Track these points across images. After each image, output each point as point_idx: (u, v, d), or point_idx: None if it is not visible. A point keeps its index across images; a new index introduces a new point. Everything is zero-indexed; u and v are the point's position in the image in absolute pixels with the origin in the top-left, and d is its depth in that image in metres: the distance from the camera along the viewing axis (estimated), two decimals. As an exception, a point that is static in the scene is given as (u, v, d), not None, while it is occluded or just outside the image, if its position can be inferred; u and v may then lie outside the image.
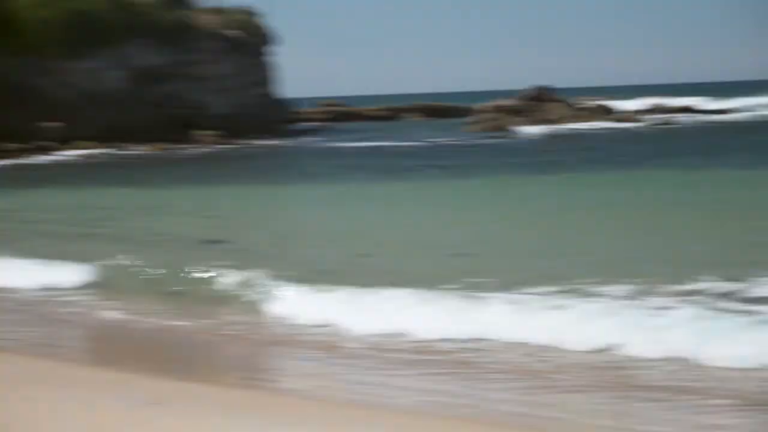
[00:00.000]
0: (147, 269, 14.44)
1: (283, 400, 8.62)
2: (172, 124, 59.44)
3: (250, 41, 65.88)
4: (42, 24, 55.55)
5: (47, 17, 55.76)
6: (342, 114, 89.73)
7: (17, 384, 8.86)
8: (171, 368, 10.00)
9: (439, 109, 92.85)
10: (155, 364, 10.20)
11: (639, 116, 66.19)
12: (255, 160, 46.71)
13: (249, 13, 68.35)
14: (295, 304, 12.24)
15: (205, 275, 13.76)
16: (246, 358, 10.76)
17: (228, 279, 13.43)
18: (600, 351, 9.81)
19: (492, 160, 38.76)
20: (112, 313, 12.79)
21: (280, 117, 67.54)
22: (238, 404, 8.35)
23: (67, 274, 14.66)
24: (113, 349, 11.33)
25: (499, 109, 63.25)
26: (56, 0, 56.67)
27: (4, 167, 46.22)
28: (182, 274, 13.98)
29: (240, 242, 18.72)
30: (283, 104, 70.29)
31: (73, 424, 7.60)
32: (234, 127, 60.75)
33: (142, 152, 53.41)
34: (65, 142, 53.39)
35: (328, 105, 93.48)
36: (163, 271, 14.36)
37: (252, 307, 12.53)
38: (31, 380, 9.04)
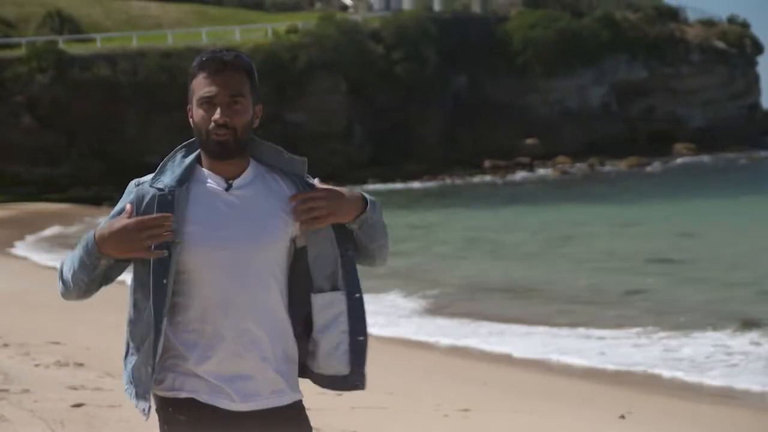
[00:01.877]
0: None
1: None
2: (648, 139, 59.52)
3: (737, 52, 64.34)
4: (531, 45, 57.79)
5: (536, 38, 57.93)
6: None
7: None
8: (632, 381, 10.39)
9: None
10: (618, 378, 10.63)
11: None
12: (733, 174, 45.83)
13: (738, 24, 66.99)
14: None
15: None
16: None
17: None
18: None
19: None
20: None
21: (760, 129, 65.46)
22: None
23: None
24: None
25: None
26: (548, 21, 58.71)
27: (482, 183, 48.72)
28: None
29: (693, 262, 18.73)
30: (765, 115, 68.09)
31: None
32: (711, 139, 59.77)
33: (615, 168, 54.00)
34: (542, 159, 55.08)
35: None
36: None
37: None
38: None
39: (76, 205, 42.01)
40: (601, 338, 12.56)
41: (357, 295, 3.16)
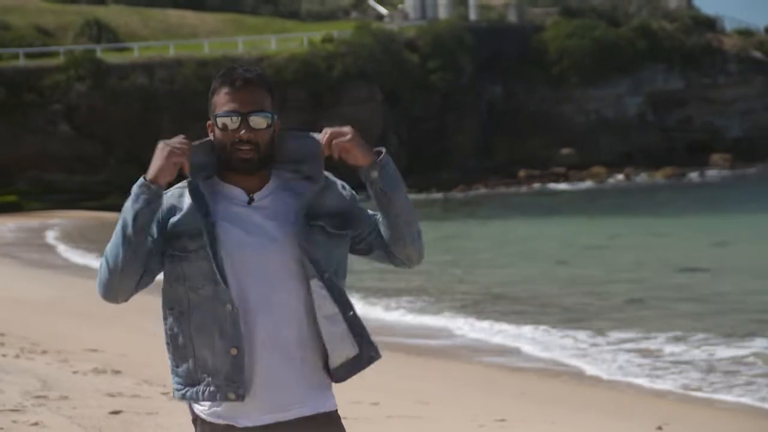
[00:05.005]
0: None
1: None
2: (685, 149, 59.21)
3: (775, 62, 63.94)
4: (567, 54, 57.68)
5: (573, 47, 57.82)
6: None
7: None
8: (669, 392, 10.34)
9: None
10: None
11: None
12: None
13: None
14: None
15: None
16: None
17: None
18: None
19: None
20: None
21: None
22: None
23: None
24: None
25: None
26: (584, 30, 58.58)
27: (518, 193, 48.64)
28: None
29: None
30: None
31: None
32: (748, 149, 59.38)
33: (651, 179, 53.76)
34: (578, 169, 54.89)
35: None
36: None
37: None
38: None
39: (114, 213, 42.33)
40: (635, 349, 12.49)
41: (326, 275, 3.13)
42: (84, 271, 21.91)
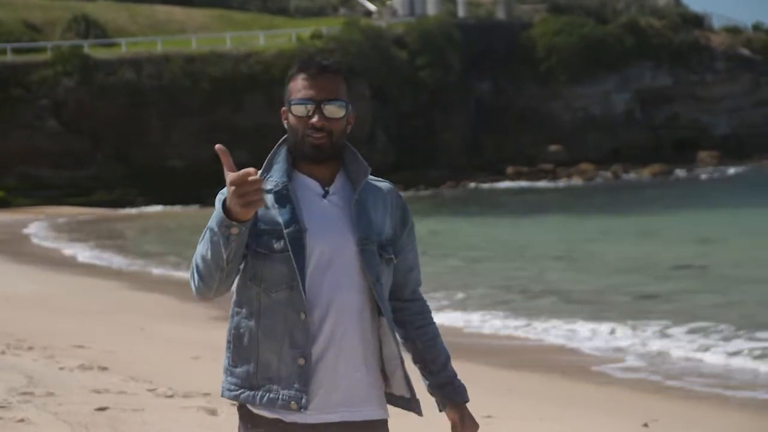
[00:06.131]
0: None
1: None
2: (672, 146, 59.36)
3: (762, 60, 64.08)
4: (555, 51, 57.73)
5: (561, 44, 57.88)
6: None
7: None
8: (656, 388, 10.35)
9: None
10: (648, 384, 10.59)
11: None
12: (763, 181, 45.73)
13: (764, 31, 66.83)
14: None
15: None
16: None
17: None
18: None
19: None
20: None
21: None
22: None
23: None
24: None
25: None
26: (572, 27, 58.65)
27: (505, 190, 48.65)
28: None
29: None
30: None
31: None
32: (736, 147, 59.55)
33: (639, 176, 53.86)
34: (566, 165, 54.97)
35: None
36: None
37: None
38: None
39: (100, 208, 42.23)
40: (623, 345, 12.51)
41: (400, 313, 3.24)
42: (71, 267, 21.88)
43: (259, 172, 3.07)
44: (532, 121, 56.94)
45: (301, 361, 3.01)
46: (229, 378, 3.11)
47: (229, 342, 3.11)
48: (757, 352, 11.71)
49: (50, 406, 7.31)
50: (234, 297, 3.12)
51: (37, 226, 34.72)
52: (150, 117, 47.89)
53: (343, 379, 3.06)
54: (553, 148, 56.63)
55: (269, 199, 3.07)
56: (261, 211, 3.04)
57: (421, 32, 55.18)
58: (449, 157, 53.86)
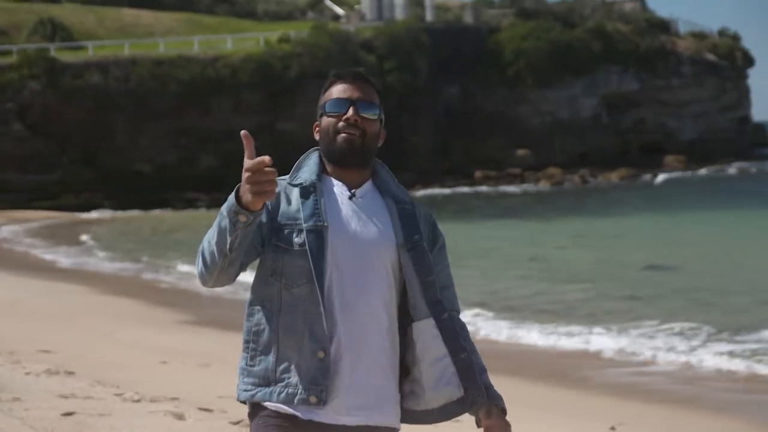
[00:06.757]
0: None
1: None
2: (639, 151, 59.75)
3: (727, 65, 64.54)
4: (523, 55, 57.91)
5: (528, 48, 58.07)
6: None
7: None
8: (622, 391, 10.40)
9: None
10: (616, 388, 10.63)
11: None
12: (725, 185, 46.02)
13: (730, 37, 67.26)
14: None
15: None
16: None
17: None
18: None
19: None
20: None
21: (750, 141, 65.94)
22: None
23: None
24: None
25: None
26: (539, 32, 58.87)
27: (473, 194, 48.73)
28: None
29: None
30: (755, 127, 68.54)
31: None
32: (701, 151, 60.03)
33: (606, 180, 54.08)
34: (533, 169, 55.15)
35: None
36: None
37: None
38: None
39: (67, 212, 41.96)
40: (590, 348, 12.55)
41: (444, 316, 3.14)
42: (39, 271, 21.72)
43: (288, 174, 3.15)
44: (500, 126, 57.08)
45: (321, 354, 3.00)
46: (245, 378, 3.10)
47: (246, 342, 3.11)
48: (730, 353, 11.79)
49: (16, 411, 7.26)
50: (251, 296, 3.13)
51: (6, 230, 34.46)
52: (117, 121, 47.63)
53: (360, 381, 3.05)
54: (520, 152, 56.79)
55: (294, 193, 3.10)
56: (284, 206, 3.09)
57: (389, 36, 55.22)
58: (418, 161, 53.90)
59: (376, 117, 3.18)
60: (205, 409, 7.77)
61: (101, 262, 24.11)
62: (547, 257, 23.44)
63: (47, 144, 46.63)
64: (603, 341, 12.90)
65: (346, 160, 3.15)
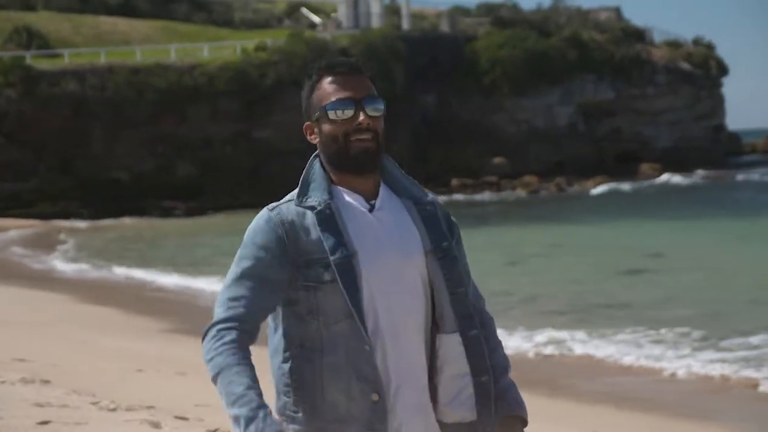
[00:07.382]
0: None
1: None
2: (615, 159, 59.98)
3: (702, 74, 64.88)
4: (499, 64, 58.05)
5: (504, 57, 58.22)
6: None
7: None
8: (602, 398, 10.40)
9: None
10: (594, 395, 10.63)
11: None
12: (699, 194, 46.27)
13: (704, 46, 67.68)
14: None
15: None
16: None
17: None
18: None
19: None
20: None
21: (724, 149, 66.40)
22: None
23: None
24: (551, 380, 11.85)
25: None
26: (515, 40, 59.04)
27: (450, 202, 48.78)
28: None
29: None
30: (729, 136, 68.96)
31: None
32: (677, 160, 60.31)
33: (582, 188, 54.22)
34: (510, 178, 55.24)
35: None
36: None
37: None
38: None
39: (44, 220, 41.73)
40: (570, 354, 12.56)
41: (472, 333, 2.88)
42: (16, 279, 21.58)
43: (295, 193, 2.87)
44: (477, 134, 57.16)
45: (375, 397, 2.75)
46: (292, 426, 2.81)
47: (287, 387, 2.81)
48: (710, 359, 11.82)
49: (-9, 420, 7.20)
50: (282, 336, 2.83)
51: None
52: (94, 128, 47.42)
53: (417, 412, 2.81)
54: (497, 160, 56.88)
55: (309, 219, 2.79)
56: (303, 241, 2.78)
57: (366, 45, 55.24)
58: (395, 170, 53.88)
59: (383, 112, 2.93)
60: (182, 418, 7.73)
61: (78, 270, 23.99)
62: (526, 263, 23.48)
63: (23, 152, 46.38)
64: (584, 348, 12.91)
65: (362, 169, 2.85)
